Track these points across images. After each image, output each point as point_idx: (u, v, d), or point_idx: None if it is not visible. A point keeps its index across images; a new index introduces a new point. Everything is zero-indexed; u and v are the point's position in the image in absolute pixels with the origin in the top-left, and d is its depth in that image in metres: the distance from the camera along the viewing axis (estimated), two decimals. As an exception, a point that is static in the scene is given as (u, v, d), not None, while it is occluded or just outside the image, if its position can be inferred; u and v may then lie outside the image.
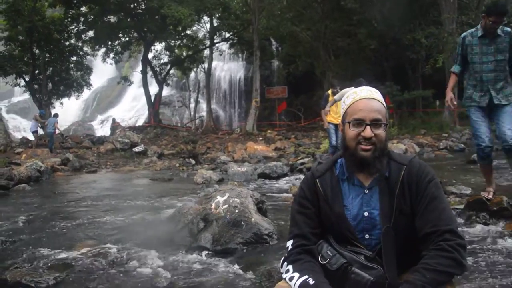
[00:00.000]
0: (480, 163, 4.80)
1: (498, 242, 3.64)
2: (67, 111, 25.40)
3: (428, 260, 1.57)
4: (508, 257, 3.28)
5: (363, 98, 1.79)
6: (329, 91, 9.51)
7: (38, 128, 20.05)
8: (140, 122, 35.04)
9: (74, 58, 29.47)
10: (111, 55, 30.47)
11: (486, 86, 4.50)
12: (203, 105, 36.44)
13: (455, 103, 4.81)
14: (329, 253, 1.75)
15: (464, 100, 4.73)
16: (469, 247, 3.47)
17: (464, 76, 4.85)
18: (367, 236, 1.78)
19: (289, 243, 1.84)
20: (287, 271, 1.75)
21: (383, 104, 1.80)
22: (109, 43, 29.26)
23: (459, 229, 3.82)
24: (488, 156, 4.61)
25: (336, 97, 8.62)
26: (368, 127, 1.72)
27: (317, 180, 1.87)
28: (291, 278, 1.70)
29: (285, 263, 1.79)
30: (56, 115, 19.88)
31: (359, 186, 1.81)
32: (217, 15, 28.88)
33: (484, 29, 4.43)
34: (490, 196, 4.48)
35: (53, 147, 18.22)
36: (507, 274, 2.97)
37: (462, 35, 4.74)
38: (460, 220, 4.33)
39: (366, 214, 1.77)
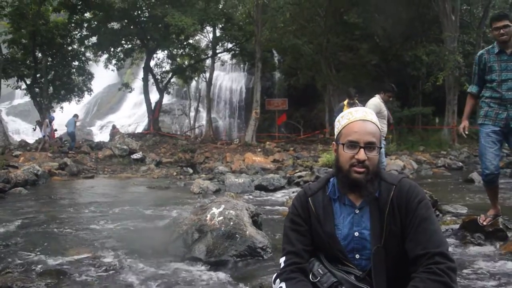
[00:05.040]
0: (484, 185, 4.51)
1: (492, 264, 3.63)
2: (67, 115, 25.30)
3: (418, 283, 1.56)
4: (502, 279, 3.27)
5: (358, 119, 1.78)
6: (345, 102, 8.88)
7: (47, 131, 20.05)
8: (139, 129, 34.98)
9: (76, 63, 29.48)
10: (113, 61, 30.52)
11: (505, 105, 4.11)
12: (203, 114, 36.45)
13: (466, 132, 4.45)
14: (320, 271, 1.75)
15: (478, 118, 4.33)
16: (463, 268, 3.46)
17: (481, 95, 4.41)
18: (357, 256, 1.78)
19: (282, 260, 1.84)
20: None
21: (377, 127, 1.80)
22: (112, 49, 29.32)
23: (454, 249, 3.82)
24: (491, 182, 4.29)
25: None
26: (362, 150, 1.72)
27: (309, 198, 1.87)
28: None
29: (278, 280, 1.79)
30: (76, 116, 20.80)
31: (350, 206, 1.81)
32: (220, 26, 28.95)
33: (497, 42, 4.14)
34: (485, 223, 4.29)
35: (72, 147, 19.18)
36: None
37: (479, 53, 4.39)
38: (454, 240, 4.33)
39: (356, 234, 1.77)
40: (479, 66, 4.31)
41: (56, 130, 22.55)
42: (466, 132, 4.46)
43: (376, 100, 7.61)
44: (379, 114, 7.16)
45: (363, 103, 8.37)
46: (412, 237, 1.68)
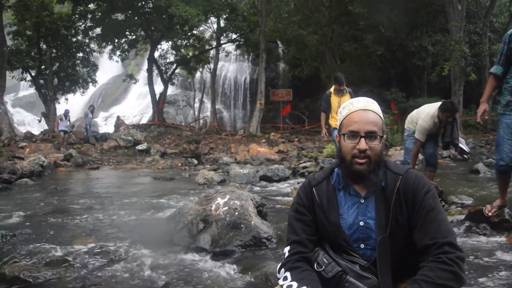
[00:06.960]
0: (496, 174, 4.35)
1: (498, 254, 3.62)
2: (72, 107, 25.35)
3: (427, 272, 1.56)
4: (508, 270, 3.26)
5: (359, 109, 1.79)
6: (331, 89, 7.66)
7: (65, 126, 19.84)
8: (144, 120, 35.03)
9: (81, 54, 29.52)
10: (118, 52, 30.52)
11: None
12: (208, 105, 36.49)
13: (486, 117, 4.14)
14: (325, 260, 1.75)
15: (499, 108, 4.01)
16: (468, 258, 3.46)
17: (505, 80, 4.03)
18: (362, 245, 1.78)
19: (286, 250, 1.84)
20: (285, 278, 1.75)
21: (379, 116, 1.79)
22: (116, 40, 29.32)
23: (459, 239, 3.81)
24: (504, 172, 4.12)
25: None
26: (362, 139, 1.72)
27: (313, 188, 1.87)
28: (289, 287, 1.70)
29: (283, 269, 1.79)
30: (90, 107, 22.18)
31: (355, 196, 1.81)
32: (225, 16, 28.86)
33: None
34: (491, 214, 4.27)
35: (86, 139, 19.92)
36: (506, 287, 2.96)
37: (509, 31, 3.98)
38: (460, 231, 4.32)
39: (361, 223, 1.77)
40: (508, 45, 3.93)
41: (73, 125, 22.77)
42: (486, 117, 4.18)
43: (432, 113, 5.92)
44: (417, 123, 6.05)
45: (360, 94, 7.83)
46: (420, 227, 1.68)
